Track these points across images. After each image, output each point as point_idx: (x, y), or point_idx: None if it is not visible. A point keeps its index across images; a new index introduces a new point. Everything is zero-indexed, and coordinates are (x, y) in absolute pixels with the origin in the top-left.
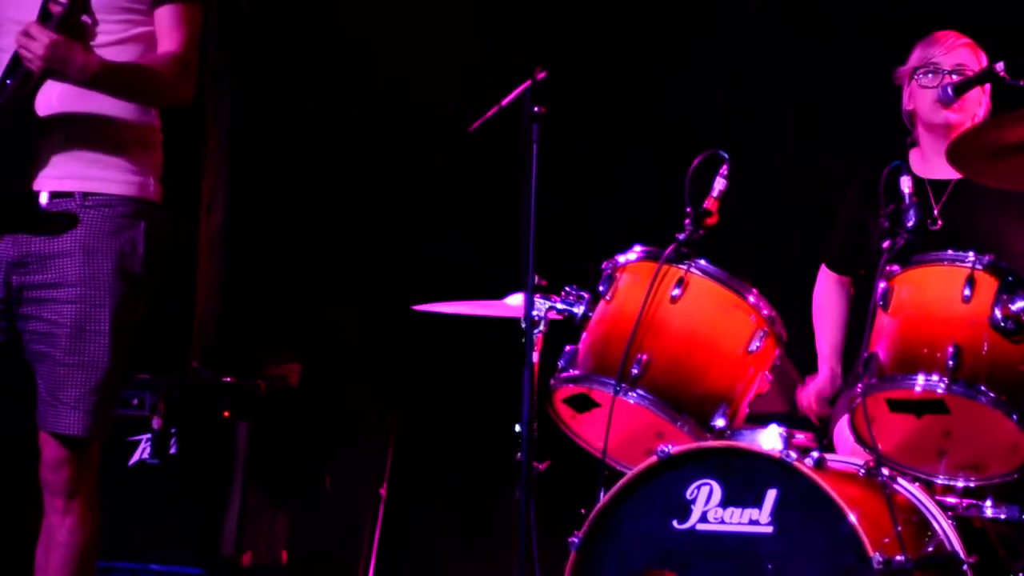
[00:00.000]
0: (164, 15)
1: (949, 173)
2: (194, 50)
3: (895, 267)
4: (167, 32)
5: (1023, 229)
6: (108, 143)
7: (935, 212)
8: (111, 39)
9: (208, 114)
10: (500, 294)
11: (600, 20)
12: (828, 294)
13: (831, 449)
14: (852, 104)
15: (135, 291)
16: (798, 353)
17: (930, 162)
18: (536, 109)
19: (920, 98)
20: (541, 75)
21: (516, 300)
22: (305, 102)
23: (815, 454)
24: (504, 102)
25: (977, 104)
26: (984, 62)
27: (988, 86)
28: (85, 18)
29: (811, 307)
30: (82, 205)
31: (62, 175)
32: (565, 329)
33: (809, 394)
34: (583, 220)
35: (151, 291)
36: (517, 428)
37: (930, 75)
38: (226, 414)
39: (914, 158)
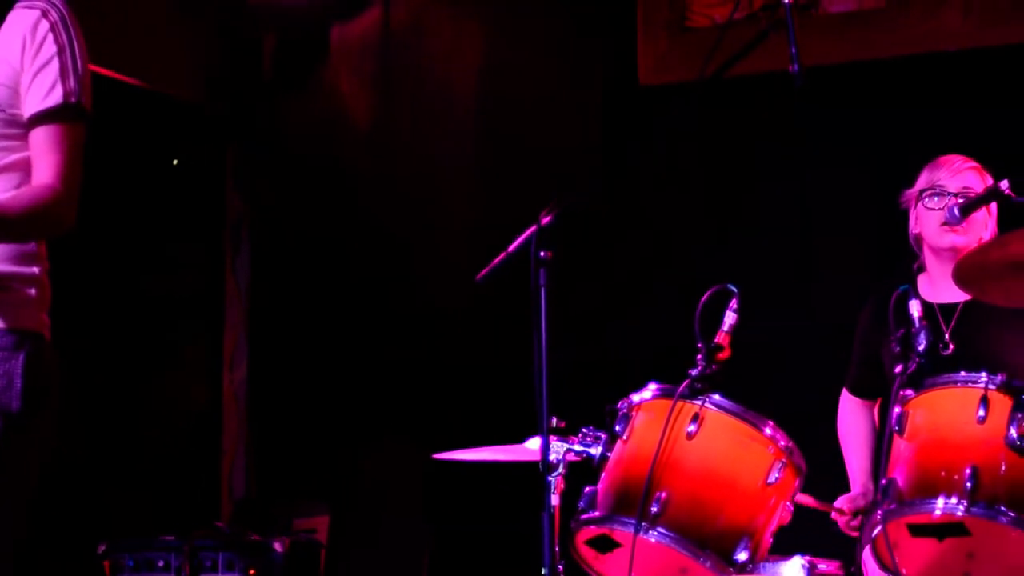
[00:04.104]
0: (39, 138)
1: (957, 296)
2: (74, 176)
3: (908, 391)
4: (42, 157)
5: None
6: None
7: (946, 336)
8: None
9: (227, 268)
10: (520, 438)
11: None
12: (852, 418)
13: (861, 575)
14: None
15: (13, 430)
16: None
17: (938, 286)
18: (542, 254)
19: (926, 221)
20: (546, 219)
21: (535, 444)
22: (321, 254)
23: None
24: (510, 248)
25: (983, 227)
26: (990, 183)
27: (995, 209)
28: None
29: (836, 434)
30: None
31: None
32: (587, 471)
33: (845, 503)
34: (602, 359)
35: (35, 430)
36: (544, 572)
37: (936, 198)
38: (252, 572)
39: (922, 283)
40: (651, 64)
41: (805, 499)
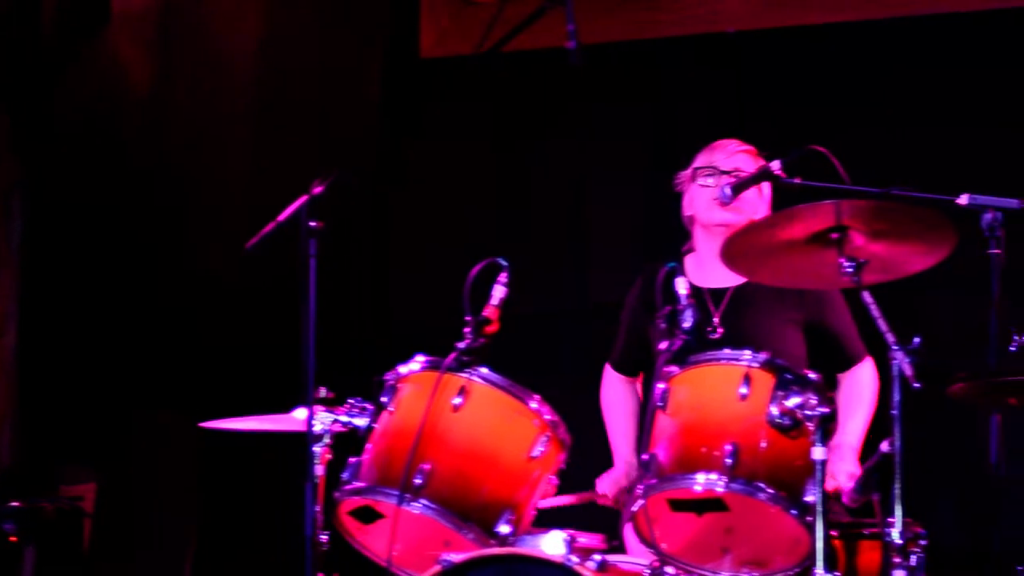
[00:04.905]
0: None
1: (727, 281)
2: None
3: (673, 368)
4: None
5: (798, 331)
6: None
7: (715, 320)
8: None
9: None
10: (288, 408)
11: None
12: (615, 394)
13: (623, 549)
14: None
15: None
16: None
17: (708, 268)
18: (313, 224)
19: (699, 199)
20: (318, 190)
21: (302, 414)
22: (96, 221)
23: (597, 557)
24: (280, 218)
25: (754, 208)
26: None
27: (768, 193)
28: None
29: (600, 408)
30: None
31: None
32: (355, 441)
33: (607, 483)
34: (373, 331)
35: None
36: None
37: (710, 177)
38: (13, 540)
39: (691, 265)
40: (433, 37)
41: (566, 499)
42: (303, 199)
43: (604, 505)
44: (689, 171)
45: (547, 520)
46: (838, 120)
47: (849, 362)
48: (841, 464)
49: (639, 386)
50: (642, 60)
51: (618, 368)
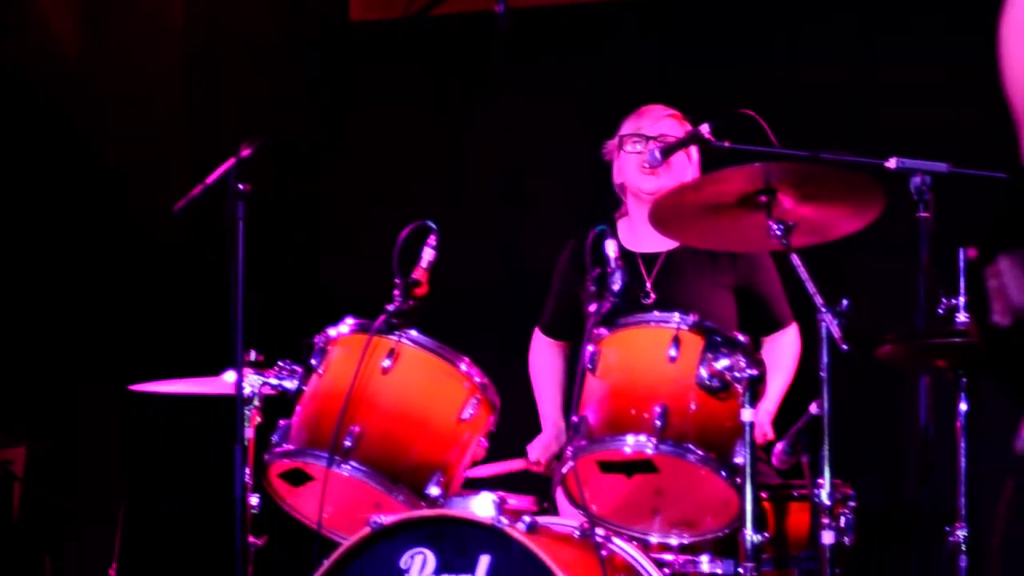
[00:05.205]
0: None
1: (659, 246)
2: None
3: (602, 330)
4: None
5: (729, 295)
6: None
7: (647, 286)
8: None
9: None
10: (218, 371)
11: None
12: (544, 358)
13: (555, 511)
14: (568, 175)
15: None
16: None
17: (639, 234)
18: (241, 186)
19: (628, 166)
20: (246, 152)
21: (232, 377)
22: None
23: (527, 518)
24: (208, 180)
25: (684, 172)
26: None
27: (697, 157)
28: None
29: (528, 371)
30: None
31: None
32: (286, 404)
33: (537, 449)
34: (303, 294)
35: None
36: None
37: (637, 144)
38: None
39: (623, 230)
40: (362, 0)
41: (499, 467)
42: (230, 162)
43: (536, 472)
44: (616, 139)
45: (478, 482)
46: (767, 82)
47: (775, 326)
48: (756, 423)
49: (567, 351)
50: (577, 24)
51: (547, 332)
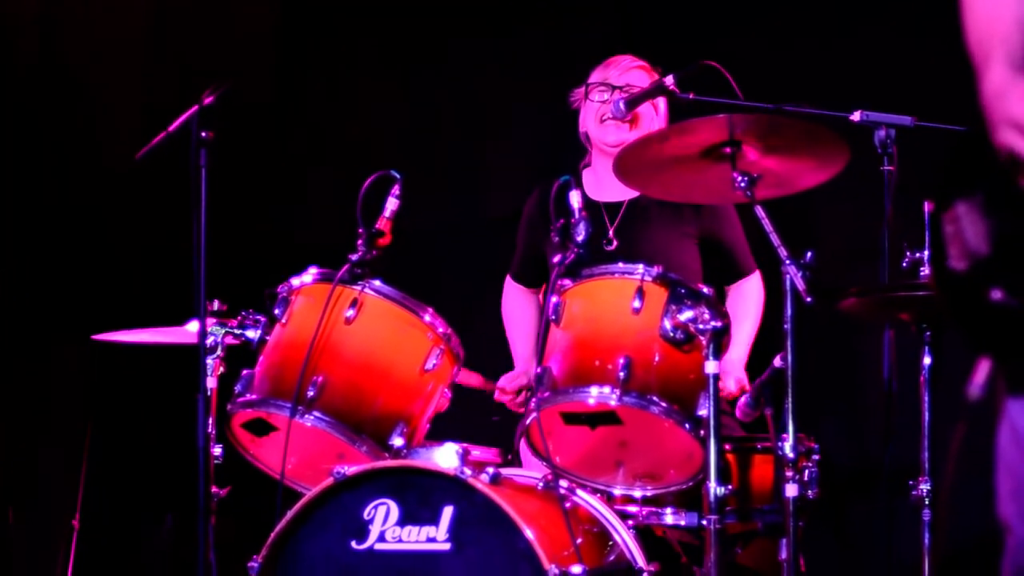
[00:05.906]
0: None
1: (622, 195)
2: None
3: (566, 281)
4: None
5: (693, 245)
6: None
7: (610, 233)
8: None
9: None
10: (181, 320)
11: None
12: (515, 304)
13: (518, 463)
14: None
15: None
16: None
17: (604, 183)
18: (204, 134)
19: (593, 115)
20: (208, 100)
21: (195, 327)
22: None
23: (491, 470)
24: (171, 128)
25: (650, 123)
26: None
27: (664, 110)
28: None
29: (501, 319)
30: None
31: None
32: (249, 354)
33: (507, 379)
34: (267, 243)
35: None
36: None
37: (604, 93)
38: None
39: (587, 179)
40: None
41: (471, 378)
42: (193, 109)
43: (499, 402)
44: (583, 88)
45: (441, 433)
46: (732, 36)
47: (739, 275)
48: (729, 372)
49: (540, 297)
50: None
51: (518, 279)
